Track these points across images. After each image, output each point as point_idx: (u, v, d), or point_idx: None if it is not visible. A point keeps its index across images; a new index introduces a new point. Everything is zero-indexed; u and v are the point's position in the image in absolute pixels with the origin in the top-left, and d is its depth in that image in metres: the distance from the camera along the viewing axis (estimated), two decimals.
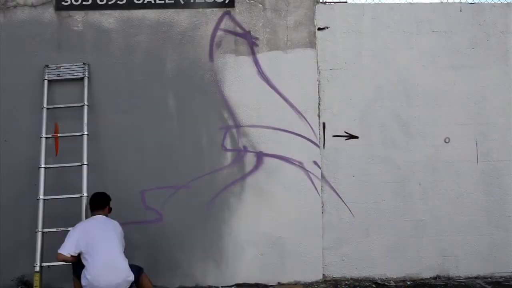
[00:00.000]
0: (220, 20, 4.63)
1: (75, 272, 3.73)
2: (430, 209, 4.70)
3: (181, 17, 4.62)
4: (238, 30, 4.63)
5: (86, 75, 4.50)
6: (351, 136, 4.69)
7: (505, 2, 4.83)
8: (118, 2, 4.60)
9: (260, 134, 4.61)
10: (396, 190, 4.69)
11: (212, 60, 4.62)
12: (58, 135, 4.46)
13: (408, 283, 4.58)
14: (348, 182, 4.67)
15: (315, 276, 4.60)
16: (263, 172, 4.59)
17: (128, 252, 4.50)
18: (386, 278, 4.65)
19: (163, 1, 4.61)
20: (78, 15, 4.59)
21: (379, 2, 4.78)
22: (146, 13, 4.60)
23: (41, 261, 4.05)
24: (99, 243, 3.64)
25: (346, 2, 4.87)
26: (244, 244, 4.58)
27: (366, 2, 4.78)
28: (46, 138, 4.37)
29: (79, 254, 3.66)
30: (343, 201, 4.66)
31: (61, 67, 4.50)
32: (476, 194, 4.73)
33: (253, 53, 4.63)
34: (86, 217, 4.16)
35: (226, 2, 4.62)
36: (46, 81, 4.46)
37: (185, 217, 4.55)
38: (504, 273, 4.72)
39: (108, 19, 4.59)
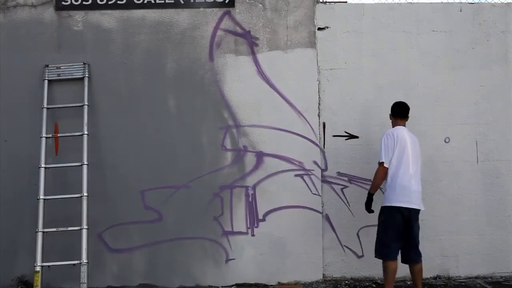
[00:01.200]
0: (220, 20, 4.63)
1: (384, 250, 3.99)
2: (430, 209, 4.69)
3: (181, 17, 4.62)
4: (238, 30, 4.63)
5: (86, 75, 4.50)
6: (351, 136, 4.69)
7: (505, 2, 4.83)
8: (118, 2, 4.59)
9: (260, 134, 4.61)
10: None
11: (212, 60, 4.62)
12: (58, 135, 4.46)
13: (408, 283, 4.58)
14: (348, 182, 4.67)
15: (315, 276, 4.60)
16: (263, 172, 4.59)
17: (128, 252, 4.54)
18: None
19: (163, 1, 4.61)
20: (78, 15, 4.59)
21: (379, 2, 4.78)
22: (146, 13, 4.60)
23: (41, 261, 4.05)
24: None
25: (346, 2, 4.87)
26: (244, 244, 4.58)
27: (366, 2, 4.78)
28: (46, 138, 4.37)
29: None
30: (343, 201, 4.66)
31: (61, 67, 4.50)
32: (476, 194, 4.73)
33: (253, 53, 4.63)
34: (87, 217, 4.17)
35: (226, 2, 4.62)
36: (46, 81, 4.47)
37: (185, 217, 4.55)
38: (504, 273, 4.72)
39: (108, 19, 4.59)
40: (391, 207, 3.95)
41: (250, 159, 4.60)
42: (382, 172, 3.99)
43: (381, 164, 3.98)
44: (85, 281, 4.00)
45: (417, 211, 4.00)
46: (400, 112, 4.15)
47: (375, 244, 4.10)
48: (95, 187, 4.36)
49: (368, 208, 4.11)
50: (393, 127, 4.15)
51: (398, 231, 3.96)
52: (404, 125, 4.12)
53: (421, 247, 4.64)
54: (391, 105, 4.21)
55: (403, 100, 4.19)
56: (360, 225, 4.67)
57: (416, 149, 4.07)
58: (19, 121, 4.51)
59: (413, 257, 4.04)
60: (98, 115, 4.54)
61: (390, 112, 4.21)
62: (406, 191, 3.94)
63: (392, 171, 3.97)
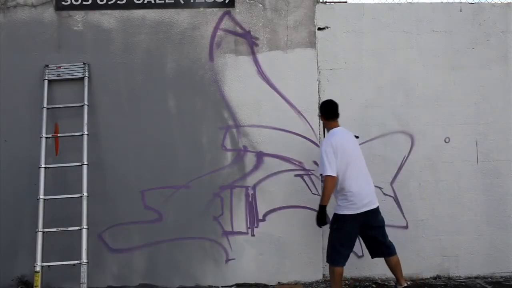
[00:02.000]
0: (220, 20, 4.63)
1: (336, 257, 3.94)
2: (430, 209, 4.70)
3: (181, 17, 4.62)
4: (238, 30, 4.63)
5: (86, 75, 4.50)
6: None
7: (505, 2, 4.83)
8: (118, 2, 4.59)
9: (260, 134, 4.61)
10: (396, 190, 4.68)
11: (212, 60, 4.62)
12: (58, 135, 4.46)
13: (408, 283, 4.57)
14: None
15: (315, 276, 4.60)
16: (263, 172, 4.59)
17: (128, 252, 4.54)
18: (386, 278, 4.65)
19: (163, 1, 4.60)
20: (78, 15, 4.58)
21: (379, 2, 4.78)
22: (146, 13, 4.60)
23: (41, 261, 4.04)
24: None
25: (346, 2, 4.87)
26: (244, 244, 4.58)
27: (366, 2, 4.78)
28: (46, 138, 4.37)
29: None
30: None
31: (61, 67, 4.50)
32: (476, 194, 4.72)
33: (253, 53, 4.63)
34: (87, 217, 4.16)
35: (226, 2, 4.62)
36: (46, 81, 4.46)
37: (185, 217, 4.56)
38: (504, 273, 4.72)
39: (108, 19, 4.59)
40: (345, 215, 3.87)
41: (250, 159, 4.60)
42: (332, 183, 3.83)
43: (327, 176, 3.82)
44: (85, 281, 4.00)
45: (374, 209, 3.96)
46: (334, 113, 4.07)
47: (327, 248, 4.05)
48: (95, 187, 4.36)
49: (322, 221, 3.94)
50: (327, 129, 4.10)
51: (351, 239, 3.94)
52: (338, 125, 4.07)
53: (421, 247, 4.68)
54: (321, 105, 4.19)
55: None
56: None
57: (357, 147, 4.04)
58: (19, 121, 4.51)
59: (385, 250, 4.04)
60: (98, 115, 4.53)
61: (320, 113, 4.17)
62: (358, 197, 3.86)
63: (340, 179, 3.86)
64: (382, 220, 4.04)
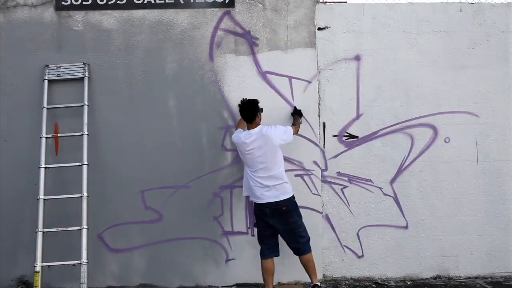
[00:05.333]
0: (220, 20, 4.63)
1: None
2: (430, 209, 4.70)
3: (181, 17, 4.62)
4: (238, 30, 4.63)
5: (86, 75, 4.50)
6: (351, 136, 4.69)
7: (505, 2, 4.83)
8: (118, 2, 4.59)
9: None
10: (396, 190, 4.69)
11: (212, 60, 4.62)
12: (58, 135, 4.46)
13: (408, 283, 4.59)
14: (348, 182, 4.67)
15: None
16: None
17: (128, 252, 4.54)
18: (386, 278, 4.66)
19: (163, 1, 4.60)
20: (78, 15, 4.58)
21: (379, 2, 4.78)
22: (146, 13, 4.60)
23: (41, 261, 4.04)
24: None
25: (346, 2, 4.87)
26: (244, 244, 4.58)
27: (366, 2, 4.78)
28: (46, 138, 4.37)
29: None
30: (343, 201, 4.66)
31: (61, 67, 4.50)
32: (476, 194, 4.73)
33: (253, 53, 4.63)
34: (87, 217, 4.16)
35: (226, 2, 4.62)
36: (46, 81, 4.46)
37: (185, 217, 4.56)
38: (504, 273, 4.72)
39: (108, 19, 4.59)
40: (254, 203, 4.14)
41: None
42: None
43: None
44: (85, 281, 4.00)
45: (276, 207, 4.01)
46: (242, 115, 4.17)
47: None
48: (95, 187, 4.36)
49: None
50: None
51: (260, 230, 4.14)
52: (252, 127, 4.10)
53: (421, 247, 4.68)
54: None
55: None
56: (360, 225, 4.67)
57: (267, 146, 4.03)
58: (19, 121, 4.51)
59: (294, 250, 4.13)
60: (98, 115, 4.53)
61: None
62: (253, 190, 4.09)
63: (245, 171, 4.22)
64: (291, 222, 4.05)
